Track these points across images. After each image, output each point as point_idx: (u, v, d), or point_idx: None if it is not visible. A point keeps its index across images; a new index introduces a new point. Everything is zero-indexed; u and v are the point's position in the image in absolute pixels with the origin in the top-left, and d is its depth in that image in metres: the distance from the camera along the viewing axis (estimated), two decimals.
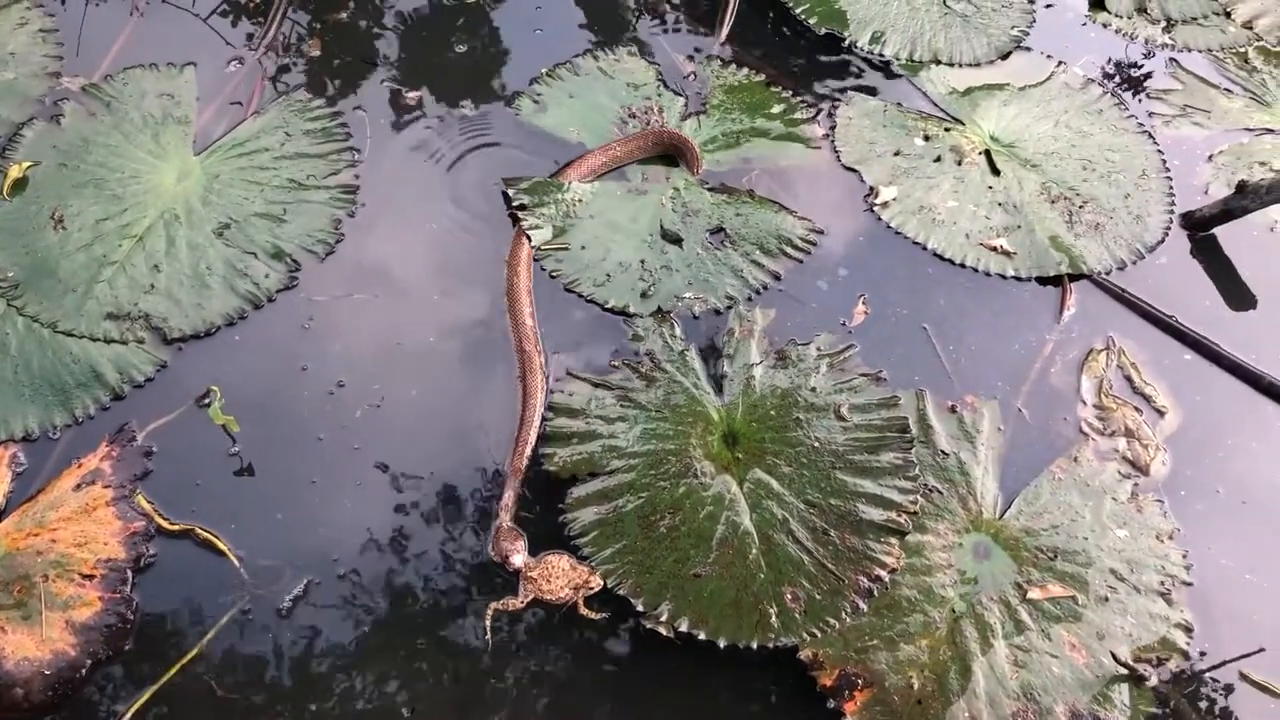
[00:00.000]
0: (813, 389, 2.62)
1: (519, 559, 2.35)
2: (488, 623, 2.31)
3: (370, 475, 2.49)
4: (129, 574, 2.30)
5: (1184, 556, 2.45)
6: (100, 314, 2.65)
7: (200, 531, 2.37)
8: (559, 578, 2.32)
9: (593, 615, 2.33)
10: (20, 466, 2.44)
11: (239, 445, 2.50)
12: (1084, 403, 2.68)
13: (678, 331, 2.73)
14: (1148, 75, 3.48)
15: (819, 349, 2.70)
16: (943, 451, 2.56)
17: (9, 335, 2.60)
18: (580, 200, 2.96)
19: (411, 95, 3.20)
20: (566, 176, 3.00)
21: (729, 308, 2.80)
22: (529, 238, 2.87)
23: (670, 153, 3.12)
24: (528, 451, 2.52)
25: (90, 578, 2.28)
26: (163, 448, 2.49)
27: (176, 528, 2.37)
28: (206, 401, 2.54)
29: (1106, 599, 2.37)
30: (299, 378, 2.63)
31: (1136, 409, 2.67)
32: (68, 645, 2.21)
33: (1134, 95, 3.40)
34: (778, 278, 2.88)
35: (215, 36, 3.33)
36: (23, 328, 2.62)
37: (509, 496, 2.46)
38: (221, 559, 2.35)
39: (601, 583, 2.32)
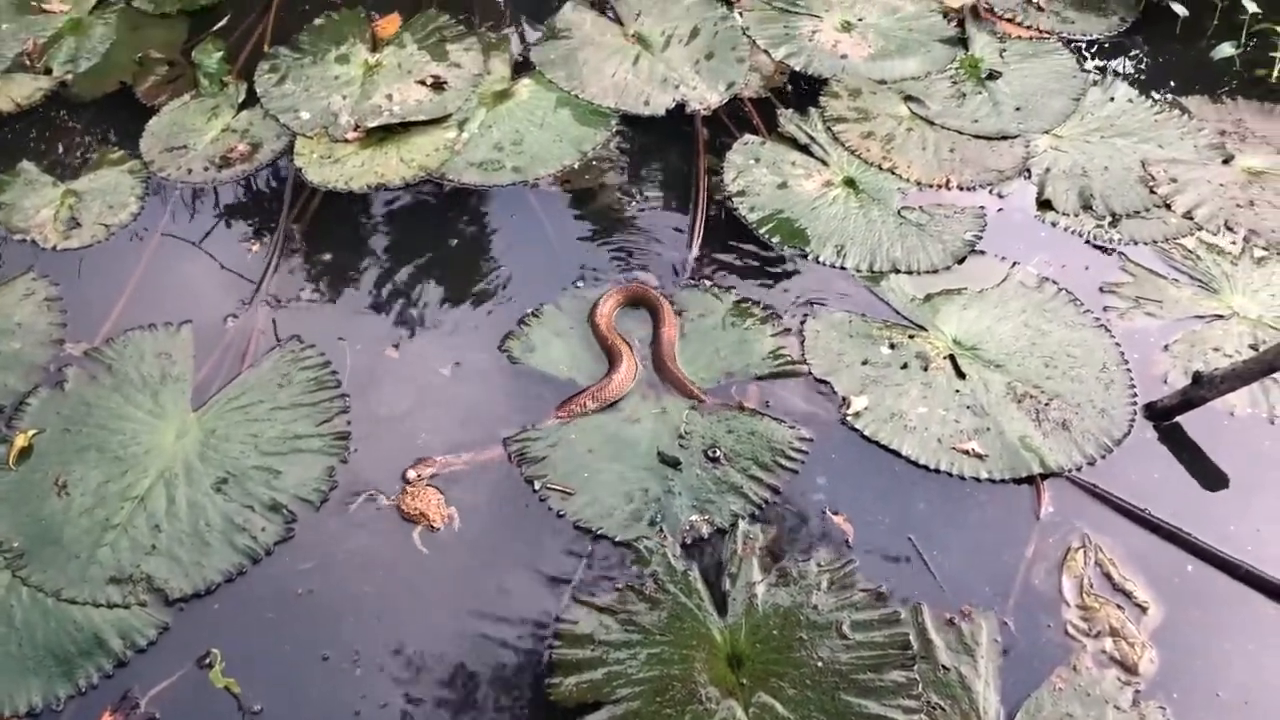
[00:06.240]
0: (814, 607, 2.66)
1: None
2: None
3: None
4: None
5: None
6: (103, 579, 2.71)
7: None
8: (423, 502, 2.87)
9: (420, 546, 2.80)
10: None
11: (241, 707, 2.52)
12: (1067, 604, 2.73)
13: (678, 551, 2.79)
14: (1098, 270, 3.64)
15: (819, 564, 2.76)
16: (944, 666, 2.59)
17: (14, 607, 2.66)
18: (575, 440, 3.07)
19: (393, 352, 3.33)
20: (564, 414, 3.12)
21: (733, 525, 2.87)
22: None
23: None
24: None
25: None
26: (165, 713, 2.51)
27: None
28: (207, 663, 2.58)
29: None
30: (298, 633, 2.67)
31: (1119, 606, 2.72)
32: None
33: (1087, 290, 3.55)
34: (777, 491, 2.96)
35: (212, 292, 3.49)
36: (27, 598, 2.67)
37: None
38: None
39: (440, 528, 2.82)
